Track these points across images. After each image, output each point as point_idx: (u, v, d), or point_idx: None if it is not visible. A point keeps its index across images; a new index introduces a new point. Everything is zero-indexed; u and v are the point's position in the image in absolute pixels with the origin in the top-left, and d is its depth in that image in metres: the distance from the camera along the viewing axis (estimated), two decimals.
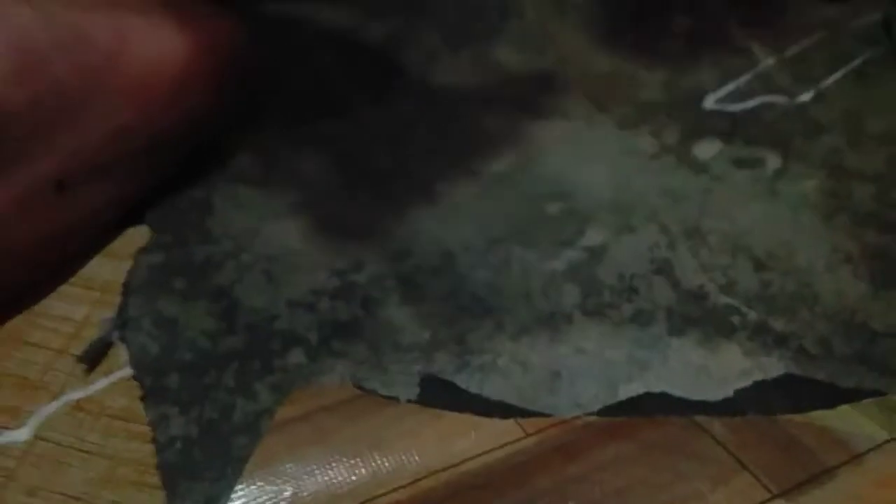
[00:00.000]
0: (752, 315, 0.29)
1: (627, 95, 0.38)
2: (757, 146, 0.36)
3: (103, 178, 0.29)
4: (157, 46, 0.30)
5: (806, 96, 0.38)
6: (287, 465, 0.24)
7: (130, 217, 0.31)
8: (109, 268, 0.29)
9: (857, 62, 0.40)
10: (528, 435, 0.25)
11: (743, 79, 0.39)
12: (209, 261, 0.30)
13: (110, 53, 0.29)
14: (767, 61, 0.40)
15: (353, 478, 0.24)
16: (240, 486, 0.24)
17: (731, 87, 0.38)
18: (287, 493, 0.24)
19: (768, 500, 0.24)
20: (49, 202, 0.28)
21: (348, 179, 0.34)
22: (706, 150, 0.35)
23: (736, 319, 0.29)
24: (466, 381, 0.27)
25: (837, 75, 0.39)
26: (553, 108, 0.37)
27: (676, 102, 0.38)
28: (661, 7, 0.42)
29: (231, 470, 0.24)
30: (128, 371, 0.26)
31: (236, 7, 0.34)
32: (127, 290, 0.29)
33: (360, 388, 0.26)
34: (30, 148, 0.27)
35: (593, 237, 0.32)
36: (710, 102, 0.38)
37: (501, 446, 0.25)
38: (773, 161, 0.35)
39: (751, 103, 0.38)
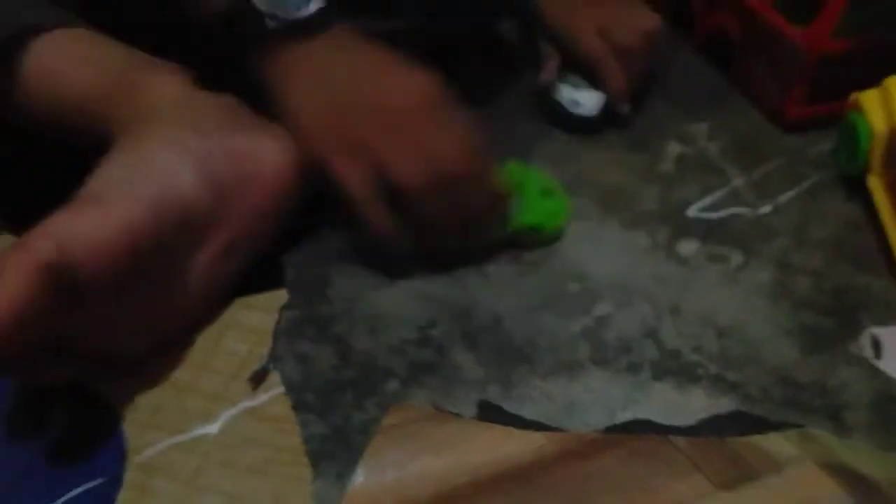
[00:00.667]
0: (713, 369, 0.41)
1: (629, 204, 0.50)
2: (725, 246, 0.48)
3: (250, 241, 0.42)
4: (279, 154, 0.43)
5: (766, 209, 0.51)
6: (389, 456, 0.36)
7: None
8: (262, 318, 0.42)
9: (808, 183, 0.53)
10: (553, 443, 0.37)
11: (718, 194, 0.51)
12: (330, 317, 0.42)
13: (250, 160, 0.42)
14: (738, 180, 0.52)
15: (435, 466, 0.36)
16: (359, 468, 0.36)
17: (708, 200, 0.51)
18: (390, 474, 0.36)
19: (713, 491, 0.35)
20: (222, 264, 0.41)
21: (421, 260, 0.46)
22: (687, 248, 0.48)
23: (701, 371, 0.41)
24: (510, 406, 0.39)
25: (792, 193, 0.52)
26: (574, 210, 0.50)
27: (666, 210, 0.50)
28: (658, 136, 0.55)
29: (352, 457, 0.36)
30: (281, 390, 0.39)
31: None
32: (275, 335, 0.41)
33: (436, 407, 0.38)
34: (212, 229, 0.40)
35: (601, 309, 0.44)
36: (692, 211, 0.50)
37: (534, 450, 0.37)
38: (736, 258, 0.47)
39: (723, 213, 0.50)
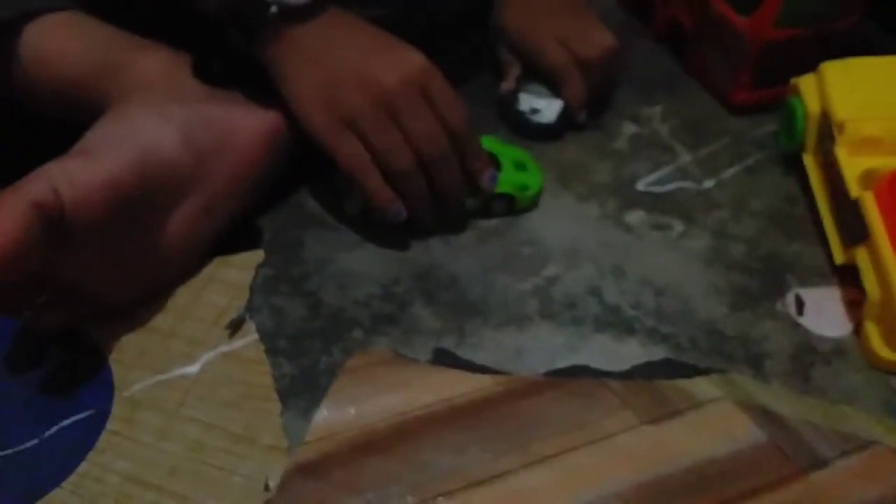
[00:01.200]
0: (649, 322, 0.45)
1: (584, 178, 0.54)
2: (669, 216, 0.52)
3: (228, 203, 0.46)
4: (253, 123, 0.47)
5: (709, 183, 0.55)
6: (351, 394, 0.40)
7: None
8: (240, 275, 0.46)
9: (750, 160, 0.57)
10: (499, 385, 0.41)
11: (666, 170, 0.55)
12: (303, 275, 0.46)
13: (227, 129, 0.46)
14: (685, 157, 0.57)
15: (392, 402, 0.40)
16: (323, 404, 0.40)
17: (657, 175, 0.55)
18: (351, 410, 0.40)
19: (637, 425, 0.39)
20: (201, 222, 0.45)
21: (390, 229, 0.50)
22: (634, 217, 0.52)
23: (637, 325, 0.45)
24: (463, 353, 0.43)
25: (734, 169, 0.56)
26: None
27: (617, 184, 0.54)
28: (615, 117, 0.59)
29: (318, 395, 0.40)
30: (256, 336, 0.43)
31: None
32: (252, 289, 0.45)
33: (396, 353, 0.43)
34: (191, 188, 0.44)
35: (551, 270, 0.48)
36: (641, 185, 0.54)
37: (482, 390, 0.41)
38: (678, 227, 0.51)
39: (669, 187, 0.54)
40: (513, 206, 0.50)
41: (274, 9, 0.44)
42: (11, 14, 0.44)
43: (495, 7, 0.58)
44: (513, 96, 0.57)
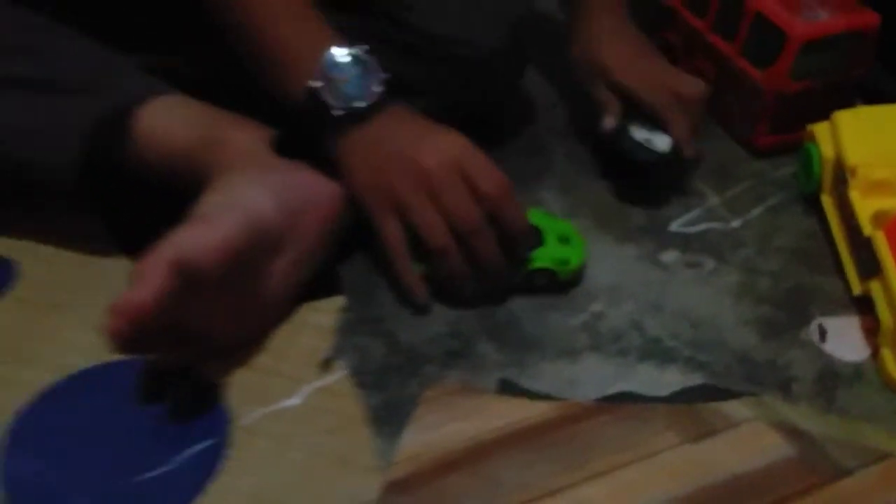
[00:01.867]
0: (687, 352, 0.51)
1: (622, 221, 0.61)
2: (701, 255, 0.58)
3: (313, 256, 0.53)
4: (330, 188, 0.54)
5: (736, 223, 0.61)
6: (430, 421, 0.47)
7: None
8: (326, 318, 0.53)
9: (773, 200, 0.63)
10: (557, 410, 0.47)
11: (696, 212, 0.61)
12: (380, 316, 0.53)
13: (311, 193, 0.53)
14: (713, 200, 0.63)
15: (465, 428, 0.46)
16: (407, 430, 0.46)
17: (688, 217, 0.61)
18: (430, 434, 0.46)
19: (680, 444, 0.45)
20: (292, 274, 0.52)
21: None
22: (669, 256, 0.58)
23: (677, 354, 0.51)
24: (523, 382, 0.49)
25: (758, 209, 0.62)
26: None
27: (653, 226, 0.60)
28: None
29: (402, 422, 0.47)
30: (344, 373, 0.49)
31: None
32: (337, 332, 0.52)
33: (466, 384, 0.49)
34: (284, 245, 0.51)
35: (597, 307, 0.54)
36: (674, 226, 0.60)
37: (541, 415, 0.47)
38: (709, 264, 0.57)
39: (700, 227, 0.60)
40: (554, 280, 0.53)
41: (338, 112, 0.51)
42: (125, 102, 0.52)
43: (579, 43, 0.63)
44: (621, 129, 0.59)
